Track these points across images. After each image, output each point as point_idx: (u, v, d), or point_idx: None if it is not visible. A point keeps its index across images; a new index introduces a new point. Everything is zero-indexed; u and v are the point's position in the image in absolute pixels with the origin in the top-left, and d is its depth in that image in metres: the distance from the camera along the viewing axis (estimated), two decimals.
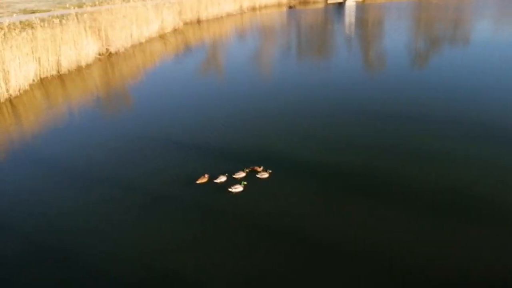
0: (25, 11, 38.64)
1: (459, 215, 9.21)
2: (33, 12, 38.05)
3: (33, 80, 21.30)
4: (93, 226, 9.36)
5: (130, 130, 14.91)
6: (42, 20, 25.99)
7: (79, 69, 24.20)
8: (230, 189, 10.30)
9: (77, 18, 26.78)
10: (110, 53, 28.20)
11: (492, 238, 8.44)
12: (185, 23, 41.77)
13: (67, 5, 37.88)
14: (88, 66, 24.88)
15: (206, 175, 10.94)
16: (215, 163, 11.85)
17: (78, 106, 18.35)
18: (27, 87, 20.26)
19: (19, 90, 19.60)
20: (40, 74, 22.14)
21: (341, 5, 57.64)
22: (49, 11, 39.00)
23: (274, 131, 14.12)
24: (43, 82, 21.73)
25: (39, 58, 22.10)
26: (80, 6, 37.66)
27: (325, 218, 9.28)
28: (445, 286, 7.29)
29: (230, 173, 11.01)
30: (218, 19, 46.25)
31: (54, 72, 22.91)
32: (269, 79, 22.07)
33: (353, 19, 44.96)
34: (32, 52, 21.70)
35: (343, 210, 9.54)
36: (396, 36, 32.84)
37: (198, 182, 10.79)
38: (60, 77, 22.66)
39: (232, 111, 16.27)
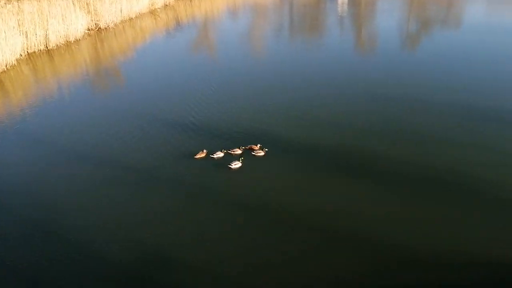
0: None
1: (447, 194, 9.54)
2: None
3: (21, 55, 20.80)
4: (84, 202, 9.45)
5: (121, 106, 14.83)
6: None
7: (68, 44, 23.66)
8: (230, 165, 10.60)
9: None
10: (100, 28, 27.55)
11: (487, 218, 8.81)
12: None
13: None
14: (77, 41, 24.33)
15: (205, 151, 11.19)
16: (208, 140, 11.98)
17: (67, 81, 18.09)
18: (14, 62, 19.80)
19: (6, 65, 19.15)
20: (27, 49, 21.61)
21: None
22: None
23: (266, 109, 14.21)
24: (30, 57, 21.26)
25: (26, 32, 21.51)
26: None
27: (317, 196, 9.54)
28: (428, 264, 7.65)
29: (226, 150, 11.25)
30: None
31: (42, 47, 22.38)
32: (261, 57, 21.96)
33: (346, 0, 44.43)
34: (19, 26, 21.10)
35: (335, 188, 9.82)
36: (389, 18, 32.70)
37: (196, 157, 11.03)
38: (49, 52, 22.18)
39: (225, 89, 16.26)
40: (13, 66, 19.51)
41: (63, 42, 23.52)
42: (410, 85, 16.54)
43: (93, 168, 10.80)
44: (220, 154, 11.09)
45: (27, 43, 21.58)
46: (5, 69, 18.99)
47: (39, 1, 23.21)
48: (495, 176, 10.14)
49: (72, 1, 25.27)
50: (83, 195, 9.71)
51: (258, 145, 11.45)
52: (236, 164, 10.65)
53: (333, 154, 11.30)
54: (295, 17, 35.02)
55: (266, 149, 11.33)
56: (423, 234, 8.29)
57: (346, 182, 10.08)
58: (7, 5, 21.32)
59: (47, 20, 22.55)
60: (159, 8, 36.07)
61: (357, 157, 11.10)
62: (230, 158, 10.97)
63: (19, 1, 22.90)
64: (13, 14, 20.98)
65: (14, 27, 20.50)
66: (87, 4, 26.98)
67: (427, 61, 20.09)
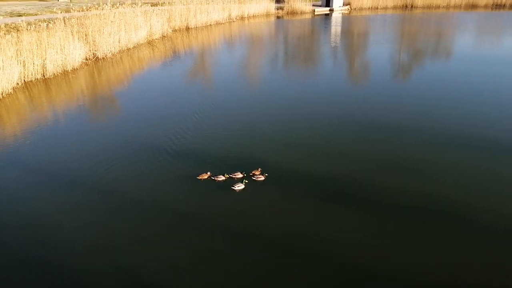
0: (11, 14, 38.23)
1: (444, 224, 9.46)
2: (19, 15, 37.67)
3: (17, 84, 21.08)
4: (78, 231, 9.31)
5: (117, 134, 14.87)
6: (29, 23, 25.80)
7: (65, 73, 24.04)
8: (233, 187, 10.79)
9: (64, 22, 26.63)
10: (97, 58, 28.10)
11: (481, 247, 8.73)
12: (174, 30, 41.91)
13: (55, 10, 37.63)
14: (74, 70, 24.73)
15: (208, 173, 11.44)
16: (207, 166, 12.00)
17: (63, 109, 18.22)
18: (10, 91, 20.04)
19: (2, 93, 19.37)
20: (24, 78, 21.92)
21: (327, 16, 58.67)
22: (36, 14, 38.69)
23: (262, 138, 14.30)
24: (27, 86, 21.52)
25: (24, 61, 21.90)
26: (67, 11, 37.47)
27: (314, 224, 9.44)
28: None
29: (228, 174, 11.41)
30: (207, 27, 46.55)
31: (39, 76, 22.71)
32: (257, 87, 22.31)
33: (339, 30, 45.78)
34: (17, 55, 21.49)
35: (332, 216, 9.75)
36: (381, 48, 33.58)
37: (199, 177, 11.30)
38: (45, 81, 22.48)
39: (222, 117, 16.41)
40: (9, 94, 19.72)
41: (60, 71, 23.89)
42: (405, 114, 16.80)
43: (88, 196, 10.70)
44: (221, 178, 11.29)
45: (24, 72, 21.91)
46: (1, 97, 19.17)
47: (39, 32, 23.76)
48: (492, 206, 10.12)
49: (71, 32, 25.90)
50: (77, 224, 9.55)
51: (259, 169, 11.61)
52: (239, 186, 10.84)
53: (328, 181, 11.29)
54: (290, 48, 35.88)
55: (266, 174, 11.45)
56: (425, 265, 8.18)
57: (342, 210, 10.01)
58: (6, 35, 21.78)
59: (45, 50, 23.02)
60: (156, 39, 36.99)
61: (352, 187, 11.07)
62: (232, 181, 11.13)
63: (18, 32, 23.44)
64: (12, 44, 21.42)
65: (12, 57, 20.89)
66: (86, 35, 27.66)
67: (420, 91, 20.49)
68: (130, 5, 38.44)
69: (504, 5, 72.10)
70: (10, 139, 14.72)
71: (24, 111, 17.98)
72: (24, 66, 21.90)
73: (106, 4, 33.83)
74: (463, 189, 10.78)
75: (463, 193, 10.57)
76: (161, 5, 46.54)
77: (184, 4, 45.44)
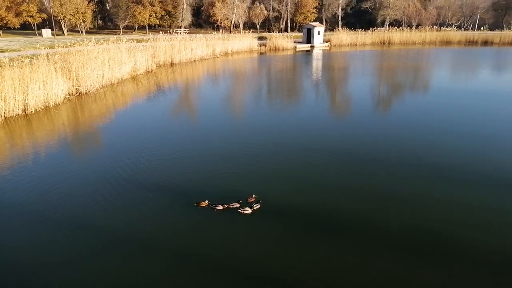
0: None
1: (428, 255, 9.43)
2: (2, 51, 37.66)
3: None
4: (62, 273, 8.90)
5: (100, 170, 14.54)
6: (11, 59, 25.73)
7: (47, 108, 23.79)
8: (239, 210, 11.12)
9: (48, 58, 26.67)
10: (80, 93, 28.01)
11: (463, 278, 8.69)
12: (158, 66, 42.39)
13: (38, 46, 37.80)
14: (56, 106, 24.52)
15: (207, 201, 11.59)
16: (196, 198, 11.88)
17: (43, 145, 17.87)
18: None
19: None
20: (5, 113, 21.59)
21: (308, 52, 60.55)
22: (19, 50, 38.73)
23: (247, 169, 14.26)
24: (7, 121, 21.16)
25: (5, 97, 21.64)
26: (51, 47, 37.68)
27: (298, 257, 9.29)
28: None
29: (227, 204, 11.49)
30: (191, 62, 47.29)
31: (20, 112, 22.41)
32: (240, 120, 22.49)
33: (320, 65, 47.19)
34: None
35: (315, 250, 9.62)
36: (361, 81, 34.61)
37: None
38: (27, 116, 22.18)
39: (206, 150, 16.36)
40: None
41: (42, 107, 23.64)
42: (386, 146, 17.09)
43: (71, 236, 10.30)
44: (220, 207, 11.45)
45: (5, 108, 21.60)
46: None
47: (21, 68, 23.68)
48: (477, 238, 10.19)
49: (54, 68, 25.89)
50: (61, 266, 9.09)
51: (253, 196, 11.82)
52: (246, 211, 11.12)
53: (314, 215, 11.22)
54: (273, 82, 36.62)
55: (260, 201, 11.57)
56: None
57: (323, 244, 9.92)
58: None
59: (27, 86, 22.85)
60: (141, 74, 37.28)
61: (336, 219, 11.03)
62: (229, 211, 11.25)
63: (1, 67, 23.31)
64: None
65: None
66: (69, 70, 27.68)
67: (400, 122, 21.02)
68: (115, 41, 38.95)
69: (476, 41, 76.01)
70: None
71: (4, 147, 17.57)
72: (5, 101, 21.62)
73: (90, 41, 34.22)
74: (448, 222, 10.83)
75: (450, 227, 10.60)
76: (146, 42, 47.31)
77: (168, 41, 46.33)
